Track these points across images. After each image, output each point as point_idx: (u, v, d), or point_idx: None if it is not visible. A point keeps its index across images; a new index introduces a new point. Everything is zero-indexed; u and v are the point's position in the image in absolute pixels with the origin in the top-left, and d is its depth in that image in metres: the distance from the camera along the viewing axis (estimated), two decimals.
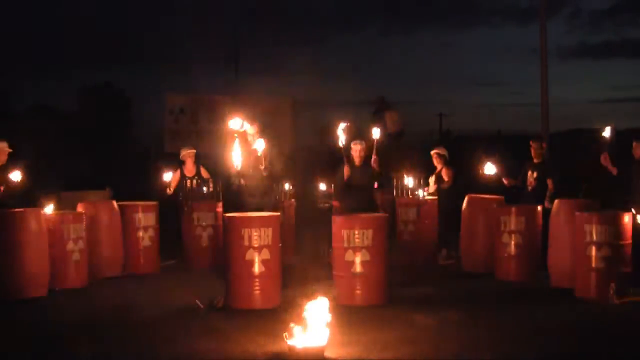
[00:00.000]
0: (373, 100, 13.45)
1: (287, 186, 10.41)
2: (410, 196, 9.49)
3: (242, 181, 7.98)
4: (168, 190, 10.02)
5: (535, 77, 13.34)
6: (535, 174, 9.21)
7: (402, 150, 11.54)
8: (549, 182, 9.03)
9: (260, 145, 7.87)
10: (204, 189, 9.90)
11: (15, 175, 8.12)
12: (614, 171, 8.33)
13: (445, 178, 9.88)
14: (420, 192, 9.55)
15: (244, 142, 7.96)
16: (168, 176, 10.01)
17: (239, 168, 7.73)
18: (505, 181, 9.34)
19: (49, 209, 8.08)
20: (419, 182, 9.45)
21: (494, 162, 9.20)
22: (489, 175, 9.20)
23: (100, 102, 26.03)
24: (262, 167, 7.93)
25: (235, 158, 7.65)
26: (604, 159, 8.32)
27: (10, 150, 8.49)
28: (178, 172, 10.21)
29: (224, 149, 8.08)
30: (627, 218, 7.22)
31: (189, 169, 10.29)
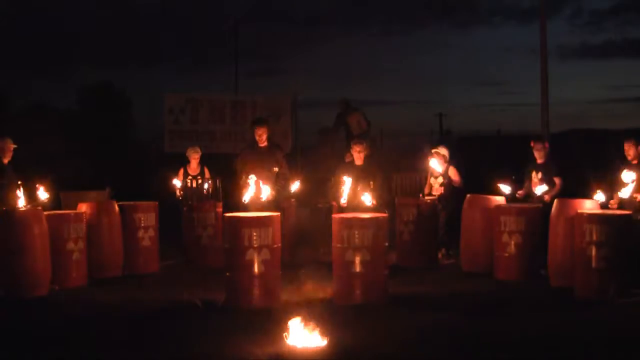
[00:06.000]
0: (337, 101, 13.35)
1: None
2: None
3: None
4: (178, 192, 10.06)
5: (535, 77, 13.38)
6: (539, 175, 9.17)
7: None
8: (557, 180, 8.97)
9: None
10: (205, 186, 9.93)
11: (42, 194, 8.04)
12: None
13: (455, 178, 9.78)
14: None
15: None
16: (178, 182, 10.08)
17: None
18: (517, 195, 9.23)
19: None
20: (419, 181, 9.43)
21: (507, 183, 9.06)
22: (504, 194, 9.04)
23: (100, 102, 26.02)
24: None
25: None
26: None
27: (15, 146, 8.48)
28: (181, 170, 10.27)
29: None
30: (626, 218, 7.22)
31: (193, 168, 10.35)
